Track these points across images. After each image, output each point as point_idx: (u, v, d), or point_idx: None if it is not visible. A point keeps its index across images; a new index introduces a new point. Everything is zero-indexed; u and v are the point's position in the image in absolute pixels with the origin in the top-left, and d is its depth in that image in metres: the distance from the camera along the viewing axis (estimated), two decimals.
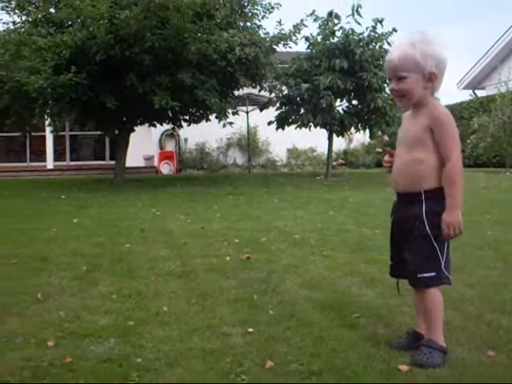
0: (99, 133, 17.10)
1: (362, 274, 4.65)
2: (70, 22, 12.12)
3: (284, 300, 3.91)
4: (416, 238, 2.91)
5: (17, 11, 13.15)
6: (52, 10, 12.66)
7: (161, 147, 20.98)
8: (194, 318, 3.53)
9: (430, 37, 2.90)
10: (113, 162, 16.42)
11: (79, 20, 11.48)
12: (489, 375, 2.69)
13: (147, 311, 3.68)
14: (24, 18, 13.22)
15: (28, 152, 21.09)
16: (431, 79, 2.87)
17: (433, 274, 2.91)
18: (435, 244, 2.89)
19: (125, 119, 14.09)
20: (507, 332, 3.24)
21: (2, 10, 13.08)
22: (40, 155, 20.38)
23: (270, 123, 15.26)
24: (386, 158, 3.20)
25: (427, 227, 2.88)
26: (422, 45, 2.85)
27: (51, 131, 15.99)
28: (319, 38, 14.60)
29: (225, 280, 4.50)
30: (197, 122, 14.85)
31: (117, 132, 14.79)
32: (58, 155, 20.42)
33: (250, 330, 3.29)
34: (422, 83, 2.87)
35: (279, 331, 3.29)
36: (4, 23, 13.12)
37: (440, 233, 2.86)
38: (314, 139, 18.58)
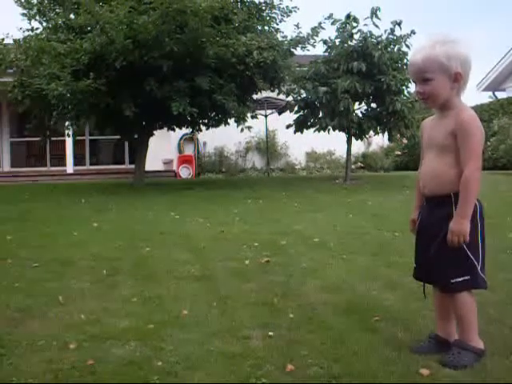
0: (118, 137, 17.19)
1: (382, 278, 4.64)
2: (89, 28, 12.21)
3: (304, 303, 3.91)
4: (444, 241, 2.87)
5: (37, 17, 13.28)
6: (72, 16, 12.76)
7: (180, 151, 21.02)
8: (215, 322, 3.54)
9: (452, 37, 2.86)
10: (132, 166, 16.50)
11: (98, 26, 11.55)
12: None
13: (168, 314, 3.70)
14: (44, 24, 13.34)
15: (48, 156, 21.26)
16: (457, 79, 2.84)
17: (467, 277, 2.87)
18: (465, 246, 2.85)
19: (144, 123, 14.16)
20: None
21: (24, 16, 13.20)
22: (60, 159, 20.52)
23: (288, 126, 15.24)
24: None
25: None
26: (445, 45, 2.82)
27: (68, 135, 16.12)
28: (337, 41, 14.55)
29: (244, 283, 4.51)
30: (215, 126, 14.87)
31: (136, 136, 14.87)
32: (78, 159, 20.54)
33: (271, 333, 3.30)
34: (448, 84, 2.85)
35: (299, 335, 3.29)
36: (25, 31, 13.24)
37: (470, 234, 2.82)
38: (332, 142, 18.53)
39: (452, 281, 2.87)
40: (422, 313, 3.64)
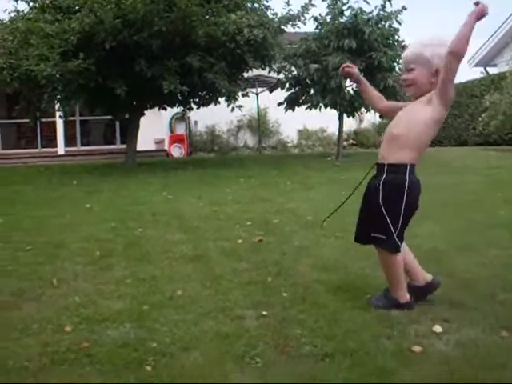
0: (109, 117, 17.11)
1: (375, 255, 4.62)
2: (77, 8, 12.09)
3: (297, 282, 3.92)
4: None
5: None
6: None
7: (171, 130, 20.95)
8: (209, 301, 3.56)
9: (446, 41, 3.20)
10: (123, 146, 16.44)
11: (86, 5, 11.44)
12: (503, 356, 2.70)
13: (162, 295, 3.71)
14: (31, 4, 13.20)
15: (39, 138, 21.13)
16: (437, 74, 3.23)
17: (383, 236, 3.34)
18: (384, 213, 3.31)
19: (134, 103, 14.10)
20: None
21: None
22: (51, 141, 20.41)
23: (279, 104, 15.22)
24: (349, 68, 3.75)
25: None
26: (434, 46, 3.27)
27: (60, 117, 16.04)
28: (328, 18, 14.50)
29: (238, 263, 4.53)
30: (206, 104, 14.84)
31: (127, 116, 14.81)
32: (69, 140, 20.42)
33: (264, 312, 3.32)
34: (428, 77, 3.28)
35: (293, 314, 3.31)
36: (10, 12, 13.11)
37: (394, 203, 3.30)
38: (324, 120, 18.51)
39: (372, 234, 3.40)
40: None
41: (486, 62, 23.38)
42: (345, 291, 3.69)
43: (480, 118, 17.23)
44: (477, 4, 3.05)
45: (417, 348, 2.79)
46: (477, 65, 23.70)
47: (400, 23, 14.39)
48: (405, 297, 3.38)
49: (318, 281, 3.96)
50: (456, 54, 3.09)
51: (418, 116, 3.28)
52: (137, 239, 5.61)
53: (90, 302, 3.60)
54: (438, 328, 3.03)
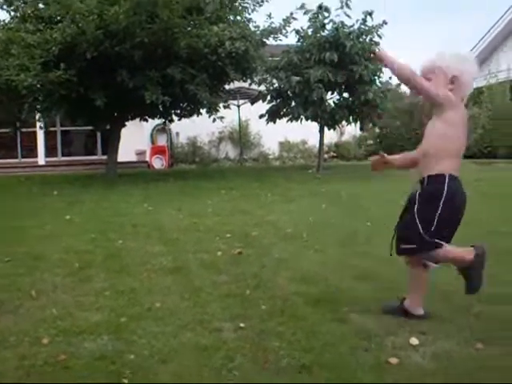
0: (91, 128, 17.04)
1: (354, 268, 4.69)
2: (59, 18, 12.06)
3: (276, 295, 3.94)
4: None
5: (4, 7, 13.06)
6: (41, 6, 12.60)
7: (152, 142, 20.92)
8: (187, 314, 3.56)
9: (462, 55, 3.58)
10: (105, 157, 16.36)
11: (68, 16, 11.41)
12: (477, 369, 2.73)
13: (140, 307, 3.71)
14: (12, 13, 13.13)
15: (19, 148, 20.95)
16: (453, 82, 3.39)
17: (413, 246, 3.40)
18: (417, 218, 3.36)
19: (115, 114, 14.06)
20: (495, 324, 3.28)
21: None
22: (31, 151, 20.23)
23: (261, 116, 15.26)
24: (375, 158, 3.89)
25: None
26: (452, 56, 3.46)
27: (40, 127, 15.96)
28: (309, 31, 14.59)
29: (217, 275, 4.54)
30: (188, 116, 14.84)
31: (108, 127, 14.77)
32: (50, 151, 20.27)
33: (242, 325, 3.33)
34: (444, 85, 3.39)
35: (271, 326, 3.32)
36: None
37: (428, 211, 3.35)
38: (305, 132, 18.55)
39: (402, 246, 3.44)
40: (391, 303, 3.68)
41: None
42: (323, 304, 3.71)
43: None
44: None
45: (394, 360, 2.82)
46: None
47: (381, 37, 14.52)
48: (419, 310, 3.47)
49: (296, 293, 3.97)
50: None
51: (430, 127, 3.48)
52: (117, 251, 5.59)
53: (67, 314, 3.59)
54: (414, 340, 3.07)
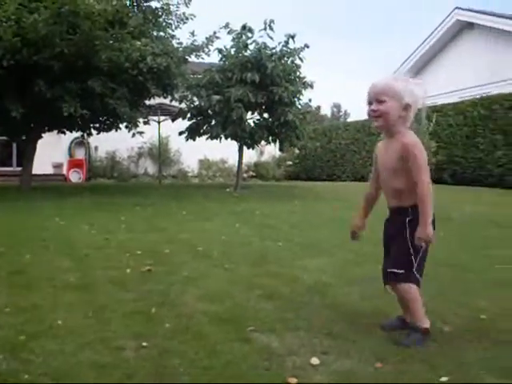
0: (5, 138, 16.58)
1: (262, 288, 4.72)
2: None
3: (181, 313, 3.92)
4: (399, 241, 3.43)
5: None
6: None
7: (70, 155, 20.56)
8: (89, 332, 3.49)
9: (415, 80, 3.48)
10: (20, 169, 15.97)
11: None
12: None
13: (41, 325, 3.61)
14: None
15: None
16: (406, 109, 3.38)
17: (401, 271, 3.40)
18: (410, 245, 3.37)
19: (32, 125, 13.74)
20: (395, 344, 3.38)
21: None
22: None
23: (181, 133, 15.26)
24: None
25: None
26: (405, 82, 3.42)
27: None
28: (232, 51, 14.74)
29: (124, 292, 4.48)
30: (107, 130, 14.68)
31: (24, 138, 14.41)
32: None
33: (145, 343, 3.29)
34: (398, 110, 3.37)
35: (174, 344, 3.30)
36: None
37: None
38: (225, 151, 18.69)
39: (388, 270, 3.45)
40: (295, 323, 3.73)
41: None
42: (228, 323, 3.72)
43: None
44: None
45: (293, 380, 2.85)
46: None
47: (302, 60, 14.83)
48: (426, 321, 3.48)
49: (203, 312, 3.97)
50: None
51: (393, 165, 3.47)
52: (24, 266, 5.43)
53: None
54: (315, 360, 3.11)
